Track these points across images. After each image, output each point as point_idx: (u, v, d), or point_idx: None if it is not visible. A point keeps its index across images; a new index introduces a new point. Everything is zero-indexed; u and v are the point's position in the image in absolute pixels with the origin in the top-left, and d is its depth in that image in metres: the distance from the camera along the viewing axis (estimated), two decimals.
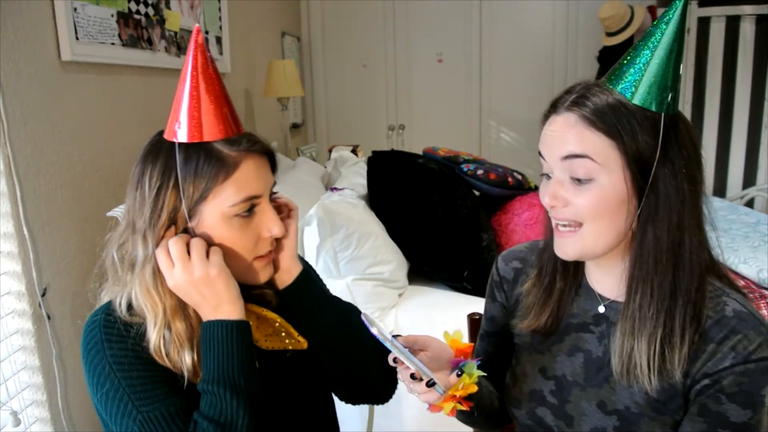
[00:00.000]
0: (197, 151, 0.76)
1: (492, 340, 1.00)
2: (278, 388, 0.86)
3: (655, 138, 0.71)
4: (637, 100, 0.72)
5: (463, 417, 0.96)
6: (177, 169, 0.75)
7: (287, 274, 0.87)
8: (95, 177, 1.67)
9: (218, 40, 2.56)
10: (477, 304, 1.54)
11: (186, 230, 0.78)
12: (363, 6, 3.96)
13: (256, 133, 0.82)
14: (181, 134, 0.76)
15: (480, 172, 2.27)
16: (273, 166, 0.84)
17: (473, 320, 1.15)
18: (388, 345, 0.74)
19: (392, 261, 1.87)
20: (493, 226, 2.23)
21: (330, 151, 3.25)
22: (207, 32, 2.45)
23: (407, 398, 1.01)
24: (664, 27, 0.71)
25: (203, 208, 0.77)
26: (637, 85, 0.72)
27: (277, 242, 0.85)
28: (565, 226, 0.78)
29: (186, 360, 0.76)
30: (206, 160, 0.75)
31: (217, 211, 0.77)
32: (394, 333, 0.78)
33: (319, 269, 1.76)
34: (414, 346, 0.79)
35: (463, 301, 1.82)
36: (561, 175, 0.76)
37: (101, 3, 1.67)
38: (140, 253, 0.77)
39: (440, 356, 0.80)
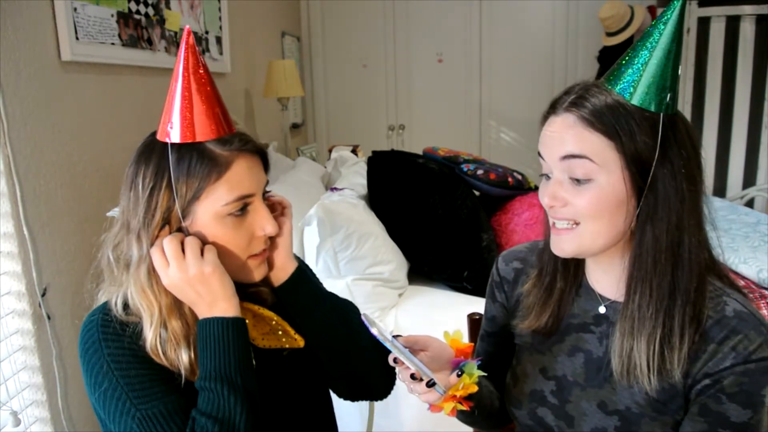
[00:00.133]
0: (190, 151, 0.76)
1: (492, 340, 1.00)
2: (275, 387, 0.86)
3: (653, 138, 0.71)
4: (635, 101, 0.72)
5: (464, 417, 0.96)
6: (170, 169, 0.75)
7: (282, 272, 0.87)
8: (95, 177, 1.67)
9: (218, 40, 2.56)
10: (477, 304, 1.54)
11: (180, 230, 0.78)
12: (363, 6, 3.96)
13: (248, 133, 0.82)
14: (174, 134, 0.76)
15: (480, 172, 2.27)
16: (265, 165, 0.85)
17: (473, 320, 1.15)
18: (388, 345, 0.74)
19: (392, 261, 1.86)
20: (493, 226, 2.22)
21: (330, 151, 3.24)
22: (207, 32, 2.45)
23: (407, 398, 1.01)
24: (663, 27, 0.71)
25: (196, 208, 0.77)
26: (636, 85, 0.72)
27: (272, 240, 0.85)
28: (562, 223, 0.78)
29: (183, 358, 0.77)
30: (199, 160, 0.76)
31: (210, 211, 0.77)
32: (395, 333, 0.78)
33: (319, 269, 1.76)
34: (414, 347, 0.79)
35: (463, 301, 1.82)
36: (560, 175, 0.76)
37: (101, 3, 1.67)
38: (135, 253, 0.78)
39: (440, 356, 0.80)
